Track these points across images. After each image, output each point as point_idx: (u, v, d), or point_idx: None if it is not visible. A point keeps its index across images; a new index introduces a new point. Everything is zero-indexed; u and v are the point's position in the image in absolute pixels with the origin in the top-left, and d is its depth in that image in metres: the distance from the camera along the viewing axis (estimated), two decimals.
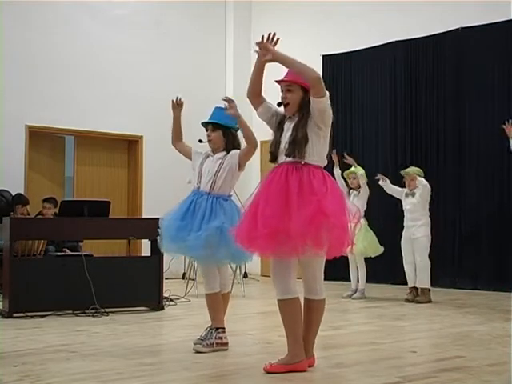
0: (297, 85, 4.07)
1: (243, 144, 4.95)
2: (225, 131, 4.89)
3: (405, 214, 8.13)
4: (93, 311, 6.42)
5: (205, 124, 4.97)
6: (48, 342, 5.06)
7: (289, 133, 4.05)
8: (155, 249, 7.08)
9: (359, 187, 8.29)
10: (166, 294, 7.22)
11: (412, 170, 8.15)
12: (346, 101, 10.95)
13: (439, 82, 9.89)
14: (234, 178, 4.90)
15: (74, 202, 7.96)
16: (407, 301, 7.86)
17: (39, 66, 10.23)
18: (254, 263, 11.72)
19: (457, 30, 9.65)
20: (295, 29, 11.72)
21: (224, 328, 4.81)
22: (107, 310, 6.50)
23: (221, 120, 4.87)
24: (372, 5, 10.64)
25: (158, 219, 6.90)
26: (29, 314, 6.29)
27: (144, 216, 10.66)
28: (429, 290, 7.92)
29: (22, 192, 9.44)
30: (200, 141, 5.07)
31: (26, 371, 4.02)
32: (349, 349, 4.93)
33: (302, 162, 3.98)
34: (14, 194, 8.96)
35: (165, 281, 7.11)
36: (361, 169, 8.31)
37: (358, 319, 6.89)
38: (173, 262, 6.76)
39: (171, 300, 7.45)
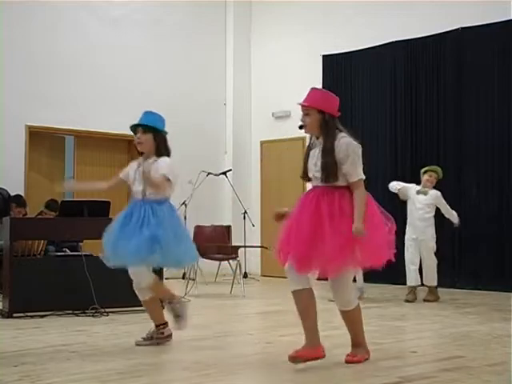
0: (313, 109, 4.22)
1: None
2: (155, 134, 4.85)
3: (412, 212, 7.98)
4: (93, 311, 6.42)
5: (134, 127, 4.88)
6: (48, 342, 5.06)
7: (316, 159, 4.21)
8: None
9: None
10: None
11: (438, 170, 8.10)
12: (346, 101, 10.89)
13: (439, 82, 9.88)
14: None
15: (74, 202, 7.96)
16: (407, 301, 7.84)
17: (39, 66, 10.22)
18: (254, 263, 11.72)
19: (457, 29, 9.64)
20: (295, 29, 11.73)
21: (165, 323, 5.02)
22: (107, 310, 6.50)
23: (151, 122, 4.83)
24: (372, 5, 10.64)
25: None
26: (29, 314, 6.29)
27: None
28: (436, 287, 7.91)
29: (22, 192, 9.44)
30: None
31: (26, 371, 4.02)
32: (349, 349, 4.90)
33: (335, 186, 4.15)
34: (14, 194, 8.94)
35: (165, 281, 7.09)
36: None
37: None
38: None
39: None
